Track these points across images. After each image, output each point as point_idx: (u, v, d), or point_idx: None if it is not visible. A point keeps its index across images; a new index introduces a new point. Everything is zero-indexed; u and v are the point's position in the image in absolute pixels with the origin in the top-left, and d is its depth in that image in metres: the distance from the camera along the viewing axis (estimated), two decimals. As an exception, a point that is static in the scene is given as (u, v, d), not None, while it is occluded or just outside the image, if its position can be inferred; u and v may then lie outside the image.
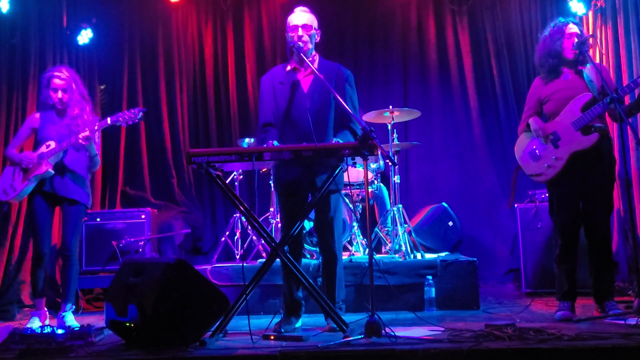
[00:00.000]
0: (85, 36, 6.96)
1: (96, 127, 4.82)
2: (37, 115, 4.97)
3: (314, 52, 4.37)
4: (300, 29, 4.26)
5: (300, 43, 4.21)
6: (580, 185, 4.32)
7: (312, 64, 4.25)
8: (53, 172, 4.79)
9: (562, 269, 4.36)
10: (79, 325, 4.23)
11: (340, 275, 4.35)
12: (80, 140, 4.70)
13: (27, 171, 4.79)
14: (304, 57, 4.20)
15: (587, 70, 4.37)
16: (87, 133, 4.70)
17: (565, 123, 4.29)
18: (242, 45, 7.77)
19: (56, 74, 4.92)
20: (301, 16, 4.31)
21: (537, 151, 4.40)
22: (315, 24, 4.35)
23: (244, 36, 7.78)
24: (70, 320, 4.78)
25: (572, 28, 4.38)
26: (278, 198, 4.44)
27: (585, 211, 4.33)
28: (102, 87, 7.38)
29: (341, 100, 3.97)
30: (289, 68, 4.36)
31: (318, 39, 4.41)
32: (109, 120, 4.83)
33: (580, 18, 6.67)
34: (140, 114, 4.83)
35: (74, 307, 4.89)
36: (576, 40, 4.35)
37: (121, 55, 7.55)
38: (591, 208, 4.30)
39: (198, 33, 7.82)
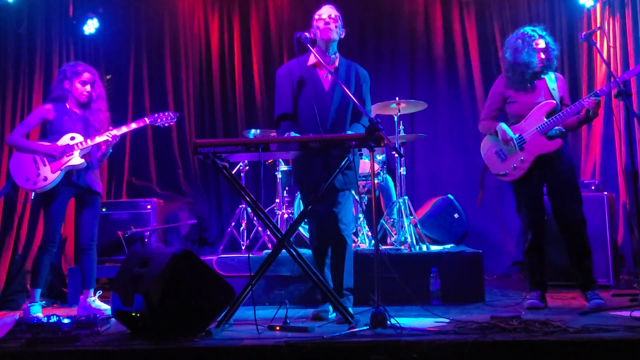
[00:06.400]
0: (91, 26, 6.94)
1: (134, 126, 5.07)
2: (50, 106, 5.00)
3: (335, 50, 4.46)
4: (328, 17, 4.37)
5: (307, 33, 4.28)
6: (544, 185, 4.58)
7: (334, 62, 4.39)
8: (86, 163, 4.93)
9: (533, 262, 4.61)
10: (109, 308, 4.27)
11: (348, 260, 4.37)
12: (112, 140, 4.97)
13: (57, 161, 4.83)
14: (311, 48, 4.26)
15: (550, 79, 4.60)
16: (120, 132, 5.00)
17: (530, 127, 4.51)
18: (248, 35, 7.77)
19: (86, 68, 5.07)
20: (329, 9, 4.44)
21: (503, 152, 4.61)
22: (341, 21, 4.46)
23: (250, 27, 7.78)
24: (99, 304, 4.93)
25: (541, 43, 4.57)
26: (300, 193, 4.51)
27: (556, 208, 4.54)
28: (108, 77, 7.37)
29: (357, 102, 4.06)
30: (310, 63, 4.42)
31: (343, 35, 4.47)
32: (147, 120, 5.12)
33: (589, 10, 6.65)
34: (176, 118, 5.23)
35: (100, 291, 5.09)
36: (543, 54, 4.54)
37: (127, 45, 7.54)
38: (560, 204, 4.51)
39: (204, 23, 7.82)
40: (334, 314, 4.21)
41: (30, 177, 4.83)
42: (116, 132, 4.99)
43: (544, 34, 4.61)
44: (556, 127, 4.46)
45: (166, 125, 5.22)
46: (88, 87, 5.02)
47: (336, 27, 4.38)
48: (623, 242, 6.02)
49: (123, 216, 6.35)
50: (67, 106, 5.02)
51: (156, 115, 5.18)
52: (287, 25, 7.67)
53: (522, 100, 4.58)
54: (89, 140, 4.93)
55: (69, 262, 6.29)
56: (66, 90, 5.01)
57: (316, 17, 4.42)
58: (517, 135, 4.52)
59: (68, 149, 4.87)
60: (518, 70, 4.58)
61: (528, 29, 4.63)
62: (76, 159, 4.87)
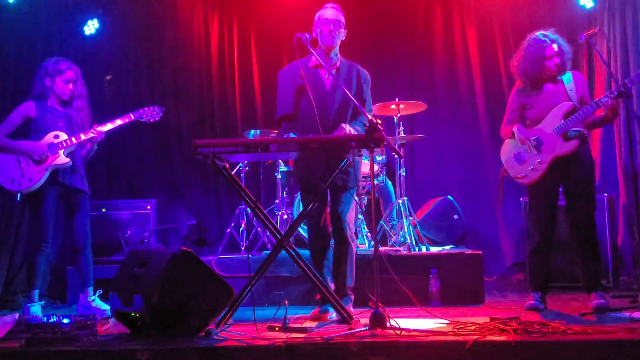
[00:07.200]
0: (91, 26, 6.96)
1: (119, 122, 4.99)
2: (32, 104, 4.91)
3: (337, 52, 4.46)
4: (331, 23, 4.35)
5: (307, 34, 4.28)
6: (560, 186, 4.56)
7: (336, 63, 4.41)
8: (71, 162, 4.85)
9: (537, 263, 4.61)
10: (109, 308, 4.23)
11: (350, 261, 4.37)
12: (97, 136, 4.89)
13: (41, 161, 4.76)
14: (311, 49, 4.27)
15: (567, 79, 4.57)
16: (105, 128, 4.93)
17: (547, 129, 4.49)
18: (247, 36, 7.78)
19: (69, 65, 4.98)
20: (332, 12, 4.42)
21: (522, 155, 4.59)
22: (343, 22, 4.45)
23: (249, 27, 7.78)
24: (99, 303, 4.87)
25: (554, 47, 4.54)
26: (300, 194, 4.52)
27: (569, 209, 4.51)
28: (107, 77, 7.37)
29: (357, 103, 4.10)
30: (311, 64, 4.43)
31: (344, 37, 4.48)
32: (132, 116, 5.04)
33: (589, 11, 6.65)
34: (161, 112, 5.14)
35: (100, 291, 4.96)
36: (557, 59, 4.52)
37: (127, 45, 7.54)
38: (574, 206, 4.48)
39: (204, 23, 7.81)
40: (334, 315, 4.21)
41: (15, 178, 4.74)
42: (101, 128, 4.91)
43: (555, 37, 4.58)
44: (574, 129, 4.42)
45: (152, 120, 5.14)
46: (71, 85, 4.95)
47: (338, 32, 4.38)
48: (622, 244, 6.01)
49: (122, 216, 6.35)
50: (49, 103, 4.94)
51: (141, 110, 5.10)
52: (286, 25, 7.65)
53: (539, 105, 4.57)
54: (73, 139, 4.84)
55: (68, 261, 6.28)
56: (47, 87, 4.91)
57: (319, 19, 4.42)
58: (535, 137, 4.50)
59: (53, 148, 4.79)
60: (531, 77, 4.59)
61: (539, 35, 4.60)
62: (61, 158, 4.80)
